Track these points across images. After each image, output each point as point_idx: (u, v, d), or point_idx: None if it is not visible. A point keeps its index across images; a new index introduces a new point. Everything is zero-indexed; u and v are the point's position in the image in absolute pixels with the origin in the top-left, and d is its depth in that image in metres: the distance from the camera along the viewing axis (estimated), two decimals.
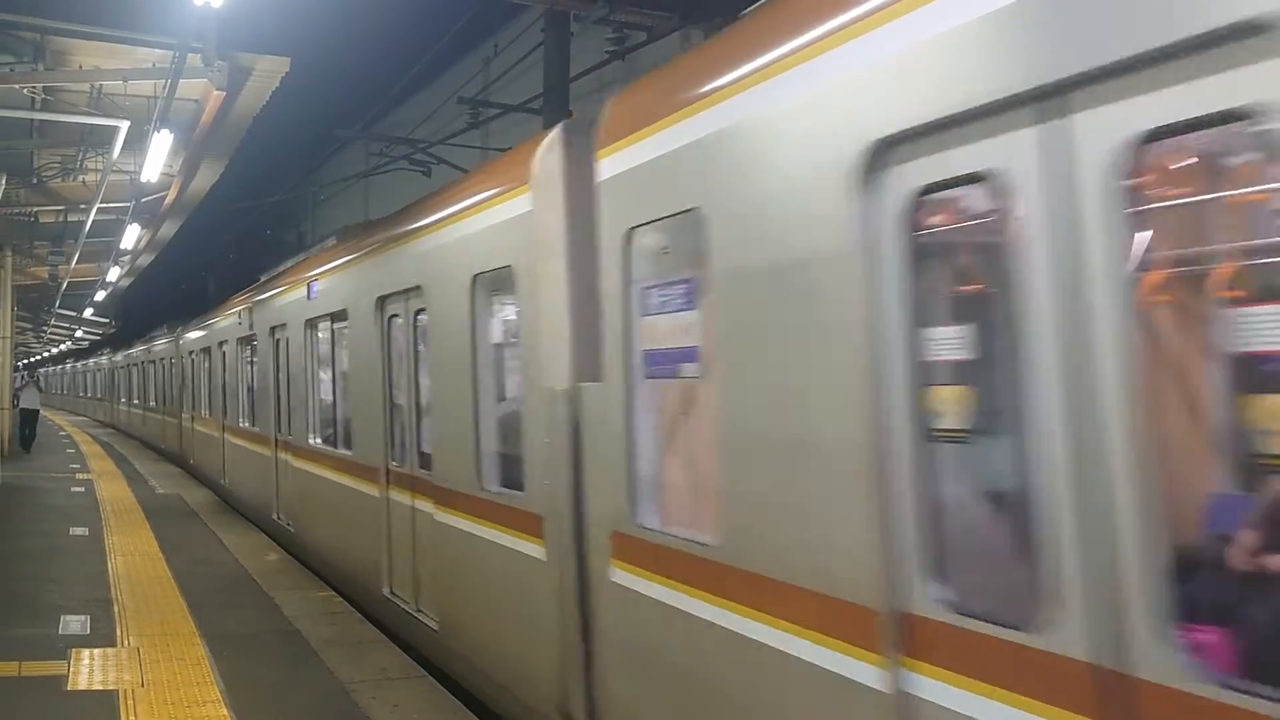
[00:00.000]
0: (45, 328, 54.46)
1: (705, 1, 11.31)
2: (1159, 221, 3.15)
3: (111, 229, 23.49)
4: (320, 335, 11.08)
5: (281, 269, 13.98)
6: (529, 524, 5.81)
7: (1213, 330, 3.39)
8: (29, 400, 27.78)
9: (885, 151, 3.18)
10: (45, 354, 78.56)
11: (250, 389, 15.14)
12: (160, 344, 26.60)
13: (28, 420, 27.44)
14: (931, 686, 3.02)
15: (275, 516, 12.96)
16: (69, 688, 6.72)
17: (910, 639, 3.10)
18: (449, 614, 7.14)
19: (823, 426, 3.44)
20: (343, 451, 9.89)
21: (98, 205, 20.00)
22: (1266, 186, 2.94)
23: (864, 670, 3.24)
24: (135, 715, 6.21)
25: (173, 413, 24.14)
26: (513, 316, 6.46)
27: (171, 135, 13.55)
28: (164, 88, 12.58)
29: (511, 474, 6.26)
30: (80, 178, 19.35)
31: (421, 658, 7.61)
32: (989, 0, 2.83)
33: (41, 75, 13.86)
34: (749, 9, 4.36)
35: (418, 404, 7.97)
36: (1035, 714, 2.69)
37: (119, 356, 38.86)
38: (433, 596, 7.49)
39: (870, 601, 3.22)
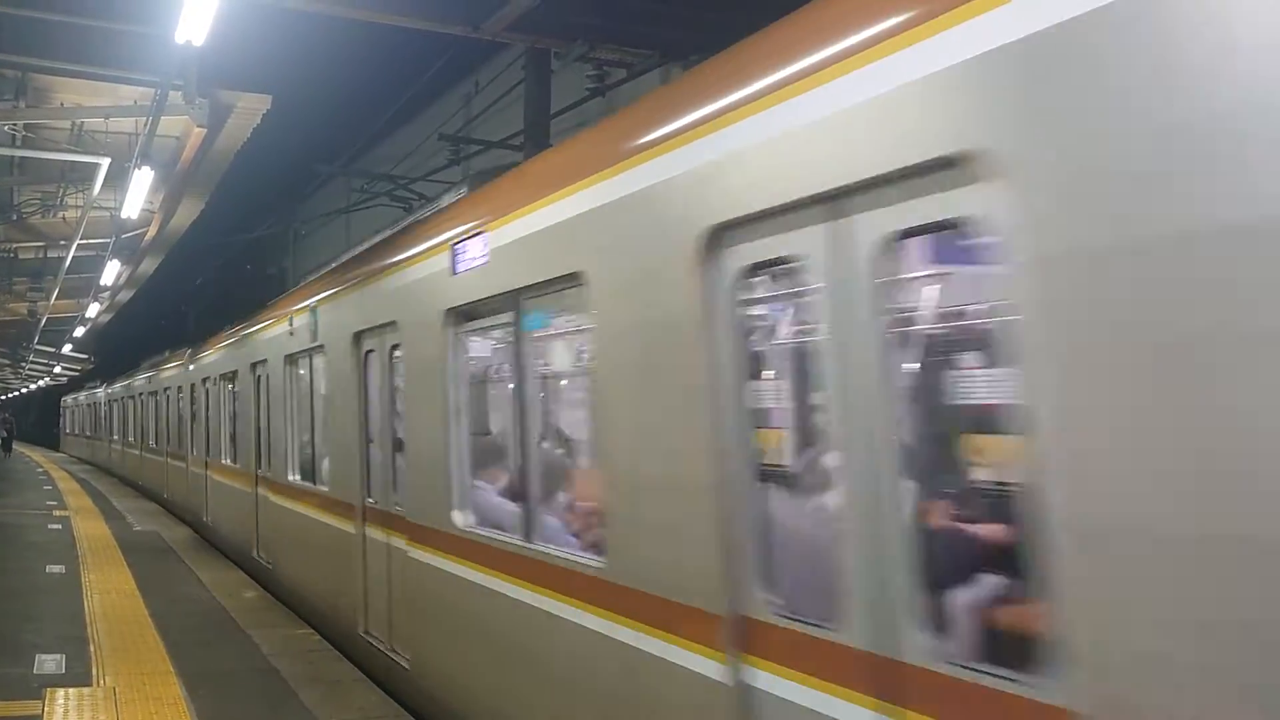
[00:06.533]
0: (24, 364, 54.14)
1: (684, 40, 11.45)
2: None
3: (92, 265, 23.46)
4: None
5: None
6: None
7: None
8: None
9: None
10: (34, 386, 77.71)
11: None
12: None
13: None
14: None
15: None
16: None
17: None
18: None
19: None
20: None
21: (78, 241, 20.00)
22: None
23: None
24: None
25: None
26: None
27: (152, 172, 13.59)
28: (145, 125, 12.65)
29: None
30: (60, 214, 19.34)
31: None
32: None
33: (23, 112, 13.89)
34: (725, 49, 4.49)
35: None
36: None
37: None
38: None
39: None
